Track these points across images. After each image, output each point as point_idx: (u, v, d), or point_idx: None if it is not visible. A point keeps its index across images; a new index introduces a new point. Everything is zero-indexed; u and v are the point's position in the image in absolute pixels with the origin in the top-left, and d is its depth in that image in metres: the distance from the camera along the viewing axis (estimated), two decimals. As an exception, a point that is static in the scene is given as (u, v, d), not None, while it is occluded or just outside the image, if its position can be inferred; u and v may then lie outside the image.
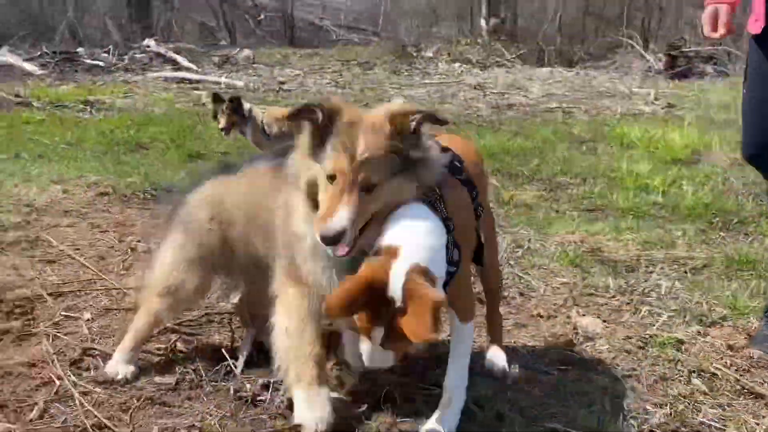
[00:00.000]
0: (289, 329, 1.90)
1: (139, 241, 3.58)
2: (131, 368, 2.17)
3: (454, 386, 1.90)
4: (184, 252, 2.20)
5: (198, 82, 10.91)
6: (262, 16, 19.69)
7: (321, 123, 1.72)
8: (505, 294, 2.97)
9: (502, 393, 2.16)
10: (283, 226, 1.95)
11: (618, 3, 16.75)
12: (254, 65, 13.29)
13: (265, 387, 2.08)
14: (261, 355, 2.24)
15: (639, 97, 10.29)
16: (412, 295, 1.55)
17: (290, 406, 1.94)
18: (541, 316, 2.83)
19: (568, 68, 14.29)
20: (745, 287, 3.14)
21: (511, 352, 2.41)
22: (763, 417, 2.12)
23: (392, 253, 1.61)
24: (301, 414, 1.86)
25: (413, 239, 1.65)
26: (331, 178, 1.67)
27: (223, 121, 5.16)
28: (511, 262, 3.41)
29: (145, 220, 4.00)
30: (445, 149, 1.91)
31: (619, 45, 15.23)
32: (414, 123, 1.72)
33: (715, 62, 13.01)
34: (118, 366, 2.17)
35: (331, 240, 1.63)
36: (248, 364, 2.26)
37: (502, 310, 2.66)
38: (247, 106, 5.20)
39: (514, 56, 14.81)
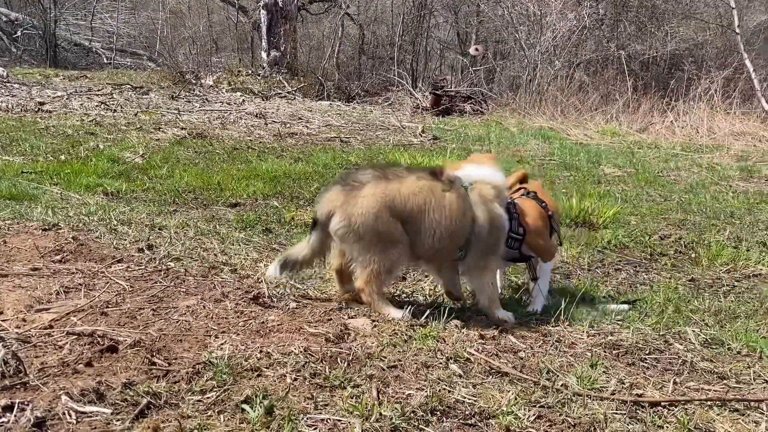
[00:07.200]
0: None
1: None
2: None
3: (540, 288, 3.37)
4: None
5: (-64, 99, 9.54)
6: (19, 33, 17.82)
7: None
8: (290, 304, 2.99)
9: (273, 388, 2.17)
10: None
11: (389, 45, 17.98)
12: (8, 84, 11.97)
13: (9, 408, 1.84)
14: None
15: (409, 129, 11.10)
16: None
17: (39, 424, 1.75)
18: (318, 321, 2.90)
19: (346, 102, 14.97)
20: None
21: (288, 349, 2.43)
22: (508, 391, 2.38)
23: None
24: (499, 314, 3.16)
25: None
26: None
27: None
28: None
29: None
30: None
31: (391, 83, 16.34)
32: None
33: (472, 102, 14.52)
34: None
35: None
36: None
37: (277, 317, 2.69)
38: None
39: (294, 89, 15.12)
